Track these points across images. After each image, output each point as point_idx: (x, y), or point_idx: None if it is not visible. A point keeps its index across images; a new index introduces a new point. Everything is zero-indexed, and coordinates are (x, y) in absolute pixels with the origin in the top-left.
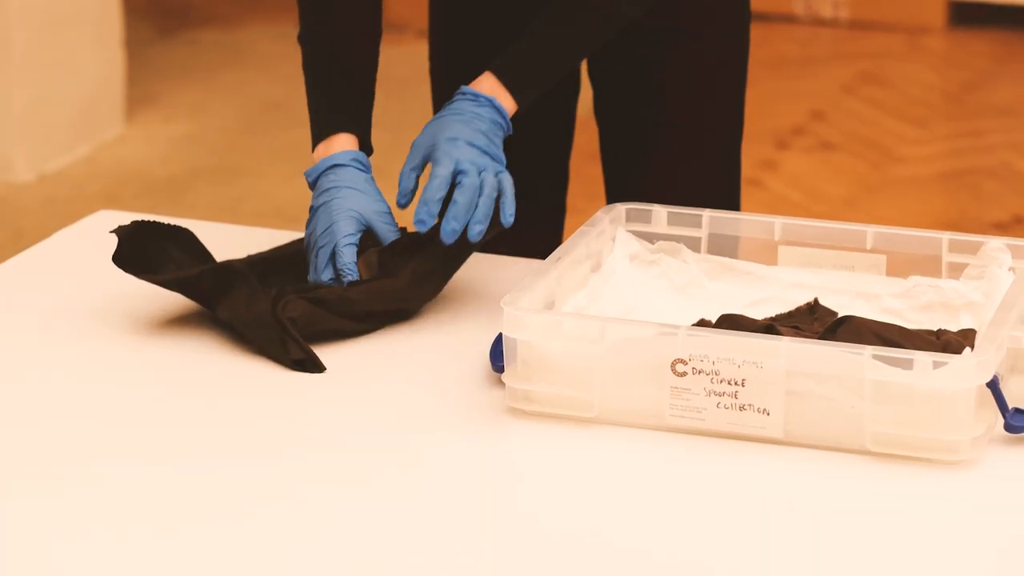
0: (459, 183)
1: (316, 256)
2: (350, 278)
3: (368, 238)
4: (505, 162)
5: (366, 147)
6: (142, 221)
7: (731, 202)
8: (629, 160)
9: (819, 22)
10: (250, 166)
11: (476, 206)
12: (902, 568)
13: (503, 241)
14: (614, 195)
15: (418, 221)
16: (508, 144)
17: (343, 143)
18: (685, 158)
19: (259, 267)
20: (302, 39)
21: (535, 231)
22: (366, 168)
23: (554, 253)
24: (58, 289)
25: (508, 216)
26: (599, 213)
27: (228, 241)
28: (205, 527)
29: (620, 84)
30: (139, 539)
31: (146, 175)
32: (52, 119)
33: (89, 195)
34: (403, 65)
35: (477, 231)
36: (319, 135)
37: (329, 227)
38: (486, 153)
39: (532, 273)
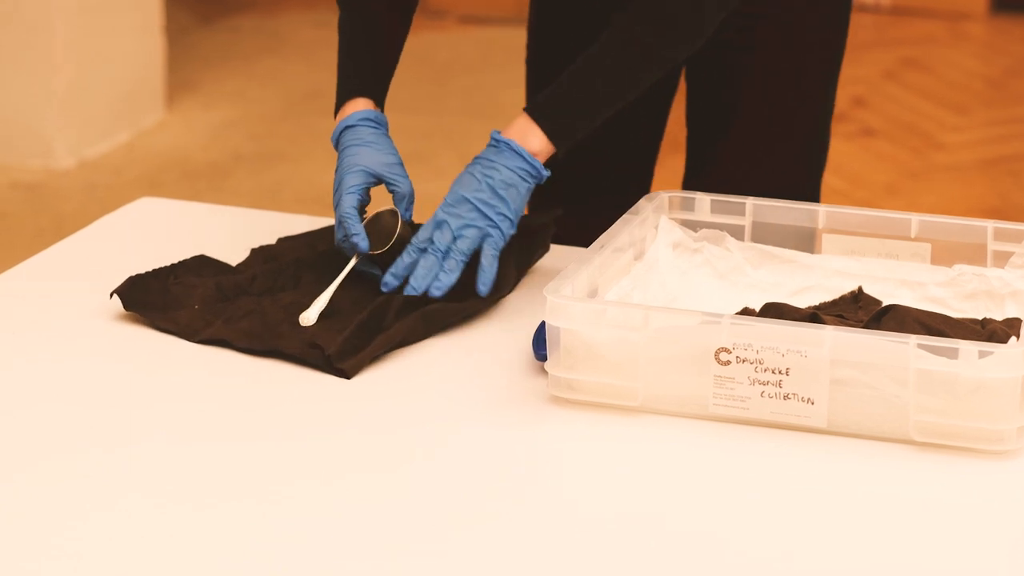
0: (427, 247)
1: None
2: (351, 226)
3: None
4: (513, 214)
5: (380, 108)
6: (138, 276)
7: (810, 197)
8: (708, 147)
9: (861, 8)
10: (290, 152)
11: (442, 270)
12: (947, 557)
13: (588, 231)
14: (691, 184)
15: (383, 284)
16: (597, 142)
17: (357, 106)
18: (764, 149)
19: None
20: (339, 3)
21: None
22: (377, 124)
23: (597, 241)
24: (102, 275)
25: (480, 286)
26: (642, 201)
27: (268, 227)
28: (256, 505)
29: (706, 69)
30: (206, 522)
31: (186, 161)
32: (92, 105)
33: (129, 181)
34: (444, 50)
35: (436, 292)
36: (338, 103)
37: (339, 185)
38: (480, 211)
39: (575, 261)
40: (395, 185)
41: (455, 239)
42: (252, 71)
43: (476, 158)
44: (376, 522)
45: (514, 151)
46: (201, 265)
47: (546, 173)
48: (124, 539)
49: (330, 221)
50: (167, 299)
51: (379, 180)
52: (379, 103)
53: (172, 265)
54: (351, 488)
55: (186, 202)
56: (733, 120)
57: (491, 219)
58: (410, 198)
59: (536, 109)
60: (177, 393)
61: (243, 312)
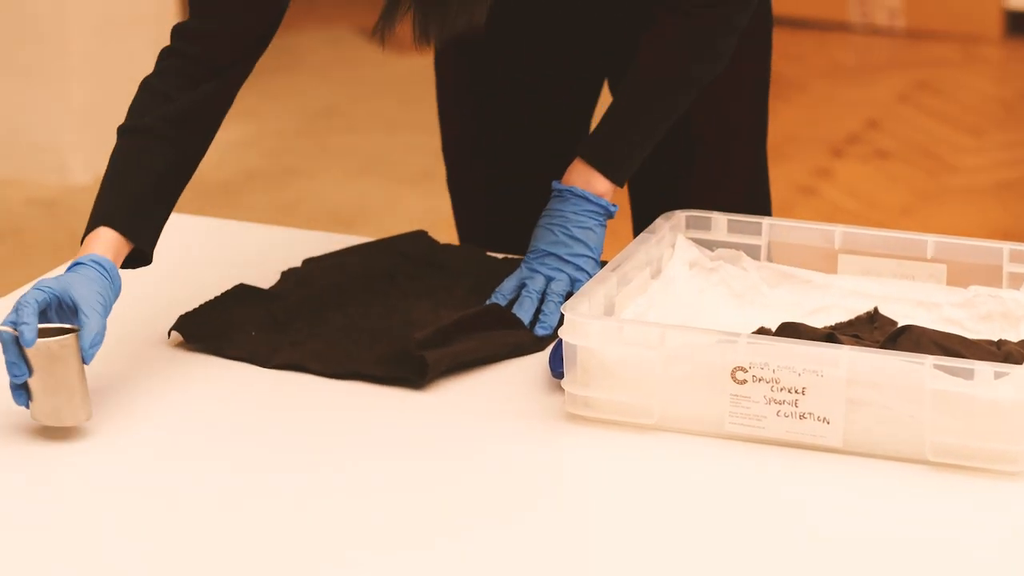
0: (521, 293)
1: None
2: (24, 314)
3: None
4: (595, 253)
5: (143, 248)
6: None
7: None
8: (650, 170)
9: (875, 30)
10: (305, 170)
11: (544, 312)
12: None
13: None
14: (639, 207)
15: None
16: (526, 156)
17: (96, 244)
18: (710, 171)
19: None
20: (122, 131)
21: None
22: (105, 268)
23: (614, 259)
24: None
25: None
26: (659, 220)
27: (283, 244)
28: (266, 515)
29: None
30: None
31: (201, 179)
32: (108, 121)
33: None
34: None
35: (541, 331)
36: (87, 230)
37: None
38: (564, 259)
39: (592, 279)
40: (84, 317)
41: (548, 281)
42: (267, 88)
43: (544, 211)
44: (392, 536)
45: (578, 196)
46: (244, 293)
47: (614, 208)
48: (129, 545)
49: (351, 239)
50: (223, 328)
51: (73, 305)
52: (133, 235)
53: (217, 297)
54: (367, 504)
55: (204, 218)
56: (669, 143)
57: (575, 264)
58: (95, 338)
59: (591, 153)
60: (187, 401)
61: (304, 335)
